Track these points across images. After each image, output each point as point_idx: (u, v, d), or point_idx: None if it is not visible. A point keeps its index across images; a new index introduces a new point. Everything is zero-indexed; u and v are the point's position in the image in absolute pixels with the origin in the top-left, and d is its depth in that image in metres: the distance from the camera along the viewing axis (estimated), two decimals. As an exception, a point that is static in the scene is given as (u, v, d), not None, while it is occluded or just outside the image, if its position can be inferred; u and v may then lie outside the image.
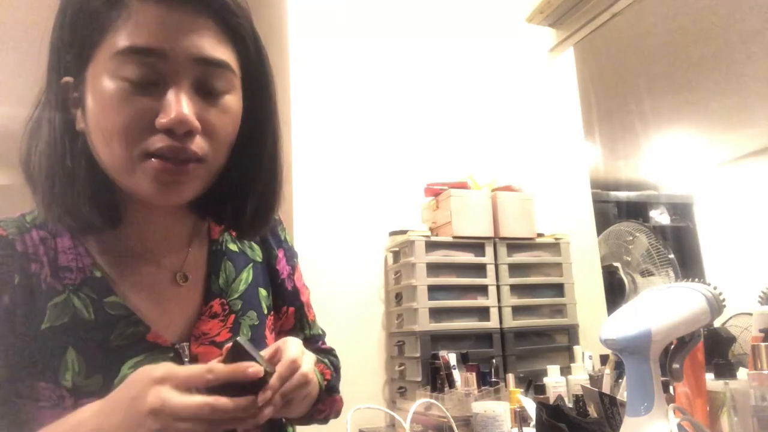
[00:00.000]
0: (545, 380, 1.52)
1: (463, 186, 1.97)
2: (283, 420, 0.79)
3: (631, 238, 2.78)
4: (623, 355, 0.82)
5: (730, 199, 5.05)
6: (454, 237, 1.85)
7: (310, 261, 1.80)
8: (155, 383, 0.52)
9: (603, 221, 2.90)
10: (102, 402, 0.55)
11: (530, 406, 1.36)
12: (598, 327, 0.84)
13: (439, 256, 1.83)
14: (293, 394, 0.62)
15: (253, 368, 0.55)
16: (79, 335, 0.62)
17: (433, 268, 1.82)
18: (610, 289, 2.51)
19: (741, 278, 3.50)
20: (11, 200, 0.84)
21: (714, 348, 1.07)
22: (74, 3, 0.61)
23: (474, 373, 1.50)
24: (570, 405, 1.17)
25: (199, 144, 0.61)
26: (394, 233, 1.96)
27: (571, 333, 1.94)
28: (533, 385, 1.52)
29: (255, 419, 0.56)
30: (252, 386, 0.55)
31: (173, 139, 0.59)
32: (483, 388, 1.50)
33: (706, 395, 0.98)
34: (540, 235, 2.00)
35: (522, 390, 1.54)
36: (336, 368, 0.88)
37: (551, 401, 1.29)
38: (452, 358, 1.61)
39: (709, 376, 1.00)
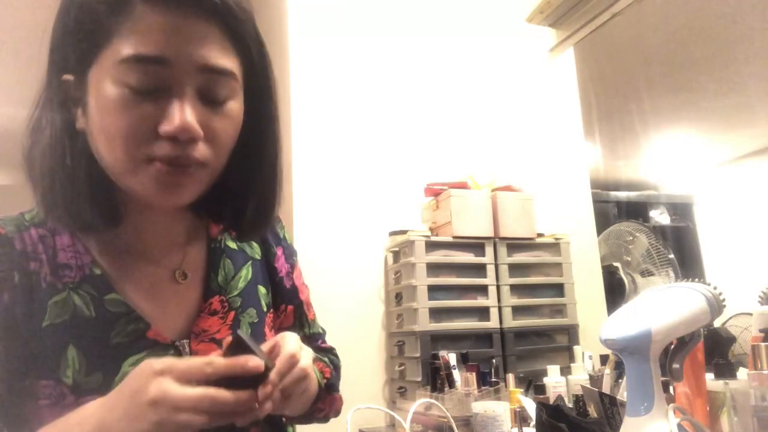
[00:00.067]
0: (545, 380, 1.52)
1: (463, 186, 1.97)
2: (283, 420, 0.80)
3: (631, 238, 2.78)
4: (623, 355, 0.82)
5: (730, 199, 5.05)
6: (454, 237, 1.85)
7: (310, 261, 1.80)
8: (156, 375, 0.53)
9: (603, 221, 2.90)
10: (106, 397, 0.56)
11: (530, 406, 1.36)
12: (598, 327, 0.84)
13: (439, 256, 1.83)
14: (292, 388, 0.61)
15: (254, 362, 0.54)
16: (79, 332, 0.63)
17: (433, 268, 1.82)
18: (610, 289, 2.51)
19: (741, 278, 3.49)
20: (11, 200, 0.84)
21: (714, 348, 1.08)
22: (78, 5, 0.60)
23: (474, 373, 1.50)
24: (570, 405, 1.17)
25: (201, 150, 0.61)
26: (394, 233, 1.96)
27: (571, 333, 1.94)
28: (533, 385, 1.52)
29: (254, 414, 0.56)
30: (252, 380, 0.55)
31: (176, 145, 0.59)
32: (483, 388, 1.50)
33: (706, 395, 0.98)
34: (540, 235, 2.00)
35: (522, 390, 1.54)
36: (336, 367, 0.88)
37: (551, 401, 1.29)
38: (452, 358, 1.61)
39: (709, 376, 1.00)
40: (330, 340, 0.94)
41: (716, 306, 0.82)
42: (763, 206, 4.76)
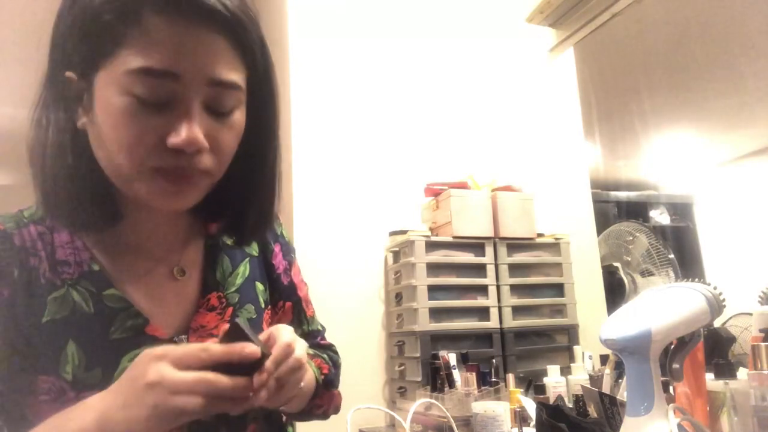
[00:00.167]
0: (545, 380, 1.52)
1: (463, 186, 1.97)
2: (283, 419, 0.80)
3: (631, 238, 2.78)
4: (623, 355, 0.82)
5: (730, 199, 5.05)
6: (454, 237, 1.85)
7: (310, 261, 1.80)
8: (154, 360, 0.53)
9: (603, 221, 2.90)
10: (107, 389, 0.56)
11: (530, 406, 1.36)
12: (598, 327, 0.84)
13: (439, 256, 1.84)
14: (287, 378, 0.61)
15: (250, 348, 0.54)
16: (79, 328, 0.63)
17: (433, 268, 1.82)
18: (610, 289, 2.51)
19: (741, 278, 3.49)
20: (11, 200, 0.84)
21: (714, 348, 1.08)
22: (84, 11, 0.59)
23: (474, 373, 1.50)
24: (570, 405, 1.17)
25: (205, 160, 0.62)
26: (394, 233, 1.96)
27: (571, 333, 1.94)
28: (533, 385, 1.52)
29: (250, 402, 0.56)
30: (248, 367, 0.55)
31: (181, 156, 0.60)
32: (483, 388, 1.50)
33: (706, 395, 0.98)
34: (540, 235, 2.00)
35: (522, 390, 1.54)
36: (335, 363, 0.88)
37: (551, 401, 1.29)
38: (452, 358, 1.61)
39: (709, 376, 1.00)
40: (330, 340, 0.94)
41: (716, 306, 0.82)
42: (763, 206, 4.76)
